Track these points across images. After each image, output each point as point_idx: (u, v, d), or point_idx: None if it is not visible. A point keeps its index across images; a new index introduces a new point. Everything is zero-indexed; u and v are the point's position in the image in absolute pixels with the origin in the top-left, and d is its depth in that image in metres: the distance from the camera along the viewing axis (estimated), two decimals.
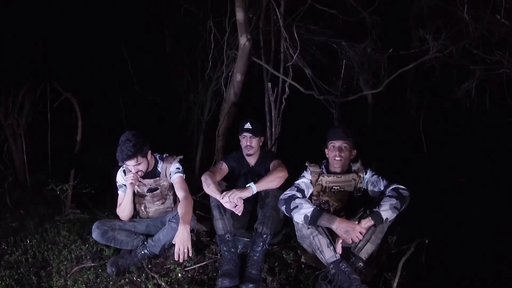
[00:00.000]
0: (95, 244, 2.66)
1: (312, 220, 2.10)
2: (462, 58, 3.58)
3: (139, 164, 2.40)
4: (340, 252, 2.11)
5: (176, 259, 2.16)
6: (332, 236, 2.16)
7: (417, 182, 2.86)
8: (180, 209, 2.32)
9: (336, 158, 2.33)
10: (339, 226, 2.05)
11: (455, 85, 4.02)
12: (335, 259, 2.07)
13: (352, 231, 2.03)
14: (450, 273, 2.28)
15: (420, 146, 4.20)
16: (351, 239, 2.05)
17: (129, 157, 2.34)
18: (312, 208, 2.13)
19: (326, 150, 2.43)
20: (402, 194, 2.14)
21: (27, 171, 4.07)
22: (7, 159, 4.03)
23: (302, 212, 2.12)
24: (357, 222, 2.08)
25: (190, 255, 2.22)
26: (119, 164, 2.53)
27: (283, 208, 2.22)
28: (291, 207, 2.16)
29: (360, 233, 2.04)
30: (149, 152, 2.49)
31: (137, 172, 2.45)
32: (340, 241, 2.10)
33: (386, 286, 2.12)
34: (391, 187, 2.20)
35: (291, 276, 2.25)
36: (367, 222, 2.05)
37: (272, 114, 3.54)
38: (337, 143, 2.33)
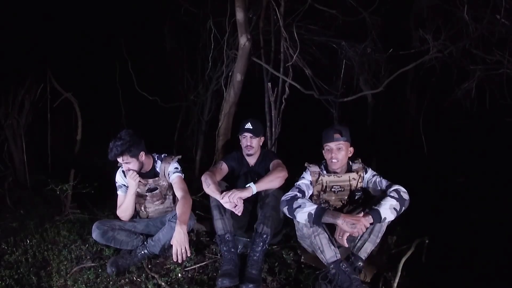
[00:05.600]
0: (95, 244, 2.66)
1: (316, 218, 2.08)
2: (462, 58, 3.58)
3: (127, 163, 2.40)
4: (347, 245, 2.11)
5: (174, 260, 2.16)
6: (333, 236, 2.16)
7: (417, 182, 2.86)
8: (178, 209, 2.32)
9: (333, 160, 2.32)
10: (344, 220, 2.05)
11: (455, 85, 4.01)
12: (336, 259, 2.07)
13: (358, 223, 2.02)
14: (449, 273, 2.28)
15: (420, 146, 4.21)
16: (357, 232, 2.03)
17: (116, 156, 2.34)
18: (315, 206, 2.12)
19: (323, 151, 2.43)
20: (403, 196, 2.12)
21: (27, 171, 4.07)
22: (7, 159, 4.04)
23: (305, 210, 2.11)
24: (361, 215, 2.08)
25: (189, 255, 2.21)
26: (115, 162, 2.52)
27: (285, 209, 2.21)
28: (294, 207, 2.15)
29: (365, 226, 2.04)
30: (142, 153, 2.47)
31: (128, 170, 2.44)
32: (347, 234, 2.08)
33: (386, 286, 2.13)
34: (392, 188, 2.18)
35: (291, 276, 2.26)
36: (367, 220, 2.05)
37: (272, 114, 3.53)
38: (332, 145, 2.32)
